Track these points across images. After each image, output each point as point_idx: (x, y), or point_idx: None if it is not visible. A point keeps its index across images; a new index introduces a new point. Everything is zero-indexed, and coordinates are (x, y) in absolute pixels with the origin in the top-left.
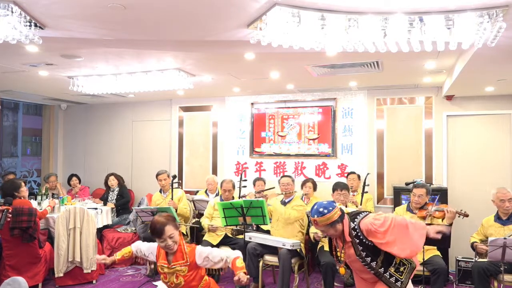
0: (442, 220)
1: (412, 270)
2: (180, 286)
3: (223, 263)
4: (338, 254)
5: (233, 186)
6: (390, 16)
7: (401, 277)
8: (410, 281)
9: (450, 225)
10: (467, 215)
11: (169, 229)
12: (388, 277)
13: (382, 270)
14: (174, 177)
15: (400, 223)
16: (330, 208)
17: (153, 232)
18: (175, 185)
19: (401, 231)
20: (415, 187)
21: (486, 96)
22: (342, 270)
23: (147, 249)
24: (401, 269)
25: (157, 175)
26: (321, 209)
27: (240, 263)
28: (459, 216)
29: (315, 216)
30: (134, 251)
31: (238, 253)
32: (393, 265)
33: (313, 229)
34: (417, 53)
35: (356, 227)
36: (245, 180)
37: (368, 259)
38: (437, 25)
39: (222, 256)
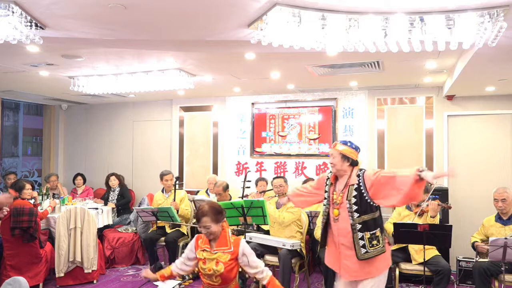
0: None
1: (381, 252)
2: (218, 273)
3: (256, 271)
4: (335, 196)
5: (224, 189)
6: (391, 16)
7: (370, 249)
8: (386, 275)
9: (450, 226)
10: (450, 207)
11: (206, 220)
12: (359, 237)
13: (359, 227)
14: (178, 178)
15: (388, 175)
16: (355, 147)
17: (197, 215)
18: (178, 186)
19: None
20: None
21: (487, 96)
22: (335, 212)
23: (187, 249)
24: (374, 242)
25: (163, 175)
26: (349, 141)
27: (278, 284)
28: (442, 208)
29: (339, 142)
30: (172, 271)
31: (271, 273)
32: (370, 231)
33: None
34: (418, 53)
35: (360, 174)
36: (249, 181)
37: (354, 207)
38: (437, 25)
39: (259, 264)
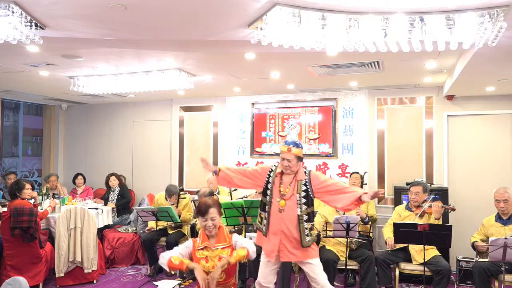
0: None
1: (314, 240)
2: (223, 270)
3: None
4: (282, 189)
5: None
6: (391, 16)
7: (310, 238)
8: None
9: (450, 226)
10: (453, 209)
11: (213, 211)
12: (304, 227)
13: (305, 217)
14: (181, 190)
15: (337, 184)
16: (302, 146)
17: (198, 211)
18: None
19: (336, 189)
20: (412, 186)
21: (487, 96)
22: (282, 203)
23: (182, 247)
24: (312, 232)
25: (172, 194)
26: (298, 142)
27: (236, 255)
28: (446, 210)
29: (291, 145)
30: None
31: (247, 245)
32: (311, 222)
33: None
34: (418, 53)
35: (307, 172)
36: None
37: (303, 200)
38: (437, 25)
39: (241, 240)
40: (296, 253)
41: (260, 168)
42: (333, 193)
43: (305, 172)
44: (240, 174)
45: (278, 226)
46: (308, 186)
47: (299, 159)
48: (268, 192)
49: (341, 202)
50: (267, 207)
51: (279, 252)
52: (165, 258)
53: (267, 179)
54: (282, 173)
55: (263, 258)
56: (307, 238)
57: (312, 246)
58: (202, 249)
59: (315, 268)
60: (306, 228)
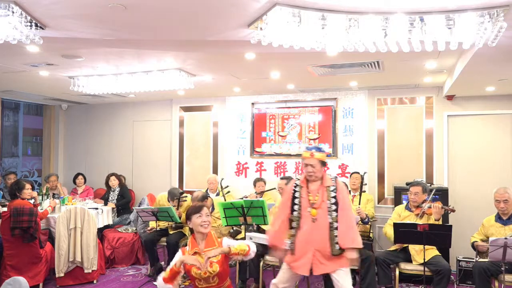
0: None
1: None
2: (215, 273)
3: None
4: (311, 197)
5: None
6: (391, 16)
7: (339, 245)
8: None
9: (450, 226)
10: (453, 210)
11: (206, 210)
12: (334, 235)
13: (335, 225)
14: (182, 193)
15: (350, 218)
16: (323, 150)
17: (193, 208)
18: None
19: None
20: (411, 186)
21: (487, 96)
22: (314, 212)
23: (172, 261)
24: None
25: (175, 197)
26: (319, 146)
27: (237, 246)
28: (446, 211)
29: (314, 150)
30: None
31: (249, 243)
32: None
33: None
34: (418, 53)
35: (333, 178)
36: (227, 187)
37: (334, 206)
38: (437, 25)
39: (246, 242)
40: (327, 264)
41: (282, 197)
42: (340, 224)
43: (331, 179)
44: (277, 220)
45: (312, 237)
46: (336, 192)
47: (323, 163)
48: (296, 207)
49: (343, 239)
50: (294, 223)
51: (313, 265)
52: (159, 280)
53: (293, 195)
54: (307, 181)
55: (286, 266)
56: (337, 246)
57: (343, 254)
58: (192, 255)
59: (342, 273)
60: (336, 236)
